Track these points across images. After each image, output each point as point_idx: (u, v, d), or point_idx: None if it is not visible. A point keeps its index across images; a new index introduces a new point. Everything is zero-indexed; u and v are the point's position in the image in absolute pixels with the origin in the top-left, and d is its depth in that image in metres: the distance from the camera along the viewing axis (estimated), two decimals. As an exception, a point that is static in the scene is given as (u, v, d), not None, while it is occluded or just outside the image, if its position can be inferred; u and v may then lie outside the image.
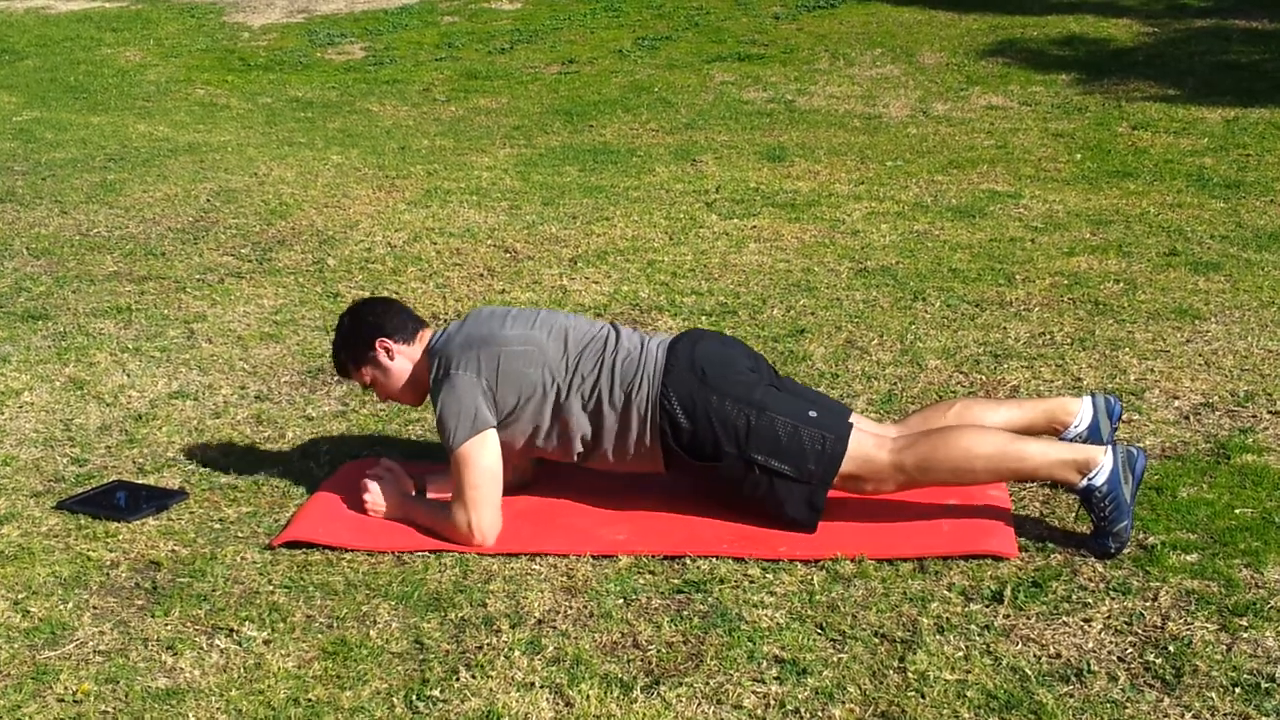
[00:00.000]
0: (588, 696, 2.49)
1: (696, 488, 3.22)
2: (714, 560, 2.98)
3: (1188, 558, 2.90)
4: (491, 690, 2.53)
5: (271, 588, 2.94)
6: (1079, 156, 6.73)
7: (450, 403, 3.12)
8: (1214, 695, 2.43)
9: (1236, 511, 3.10)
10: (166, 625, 2.81)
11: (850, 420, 3.12)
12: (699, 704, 2.47)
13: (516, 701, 2.49)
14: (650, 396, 3.12)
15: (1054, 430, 3.21)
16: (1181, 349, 4.12)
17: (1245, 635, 2.61)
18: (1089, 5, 10.27)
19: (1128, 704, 2.42)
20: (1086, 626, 2.66)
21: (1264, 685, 2.46)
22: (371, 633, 2.75)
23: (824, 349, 4.24)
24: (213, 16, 12.21)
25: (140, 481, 3.52)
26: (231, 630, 2.77)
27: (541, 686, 2.54)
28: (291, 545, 3.11)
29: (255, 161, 7.29)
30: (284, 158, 7.39)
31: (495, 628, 2.74)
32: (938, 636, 2.64)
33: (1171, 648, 2.58)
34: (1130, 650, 2.59)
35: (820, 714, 2.43)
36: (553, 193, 6.37)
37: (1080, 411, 3.23)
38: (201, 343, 4.55)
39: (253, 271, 5.32)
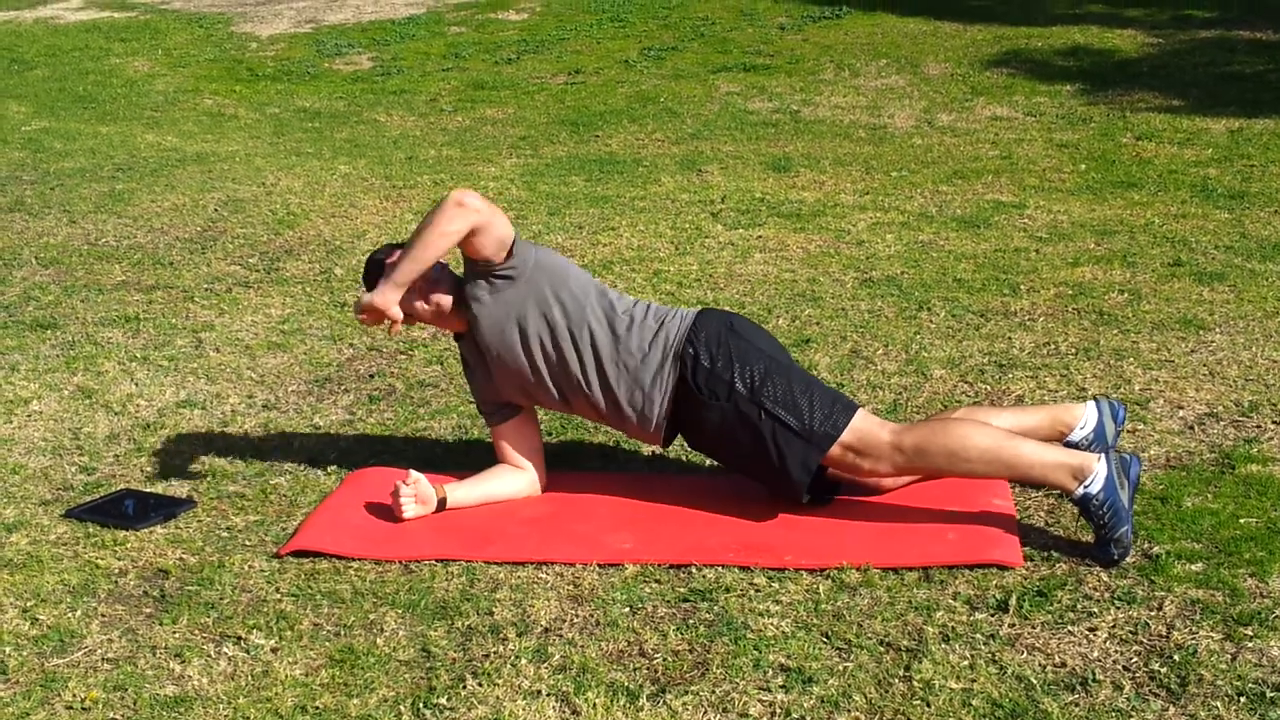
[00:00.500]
0: (594, 705, 2.50)
1: (698, 441, 3.28)
2: (720, 569, 2.99)
3: (1193, 567, 2.91)
4: (498, 698, 2.54)
5: (279, 596, 2.95)
6: (1083, 167, 6.74)
7: None
8: (1219, 704, 2.44)
9: (1241, 521, 3.10)
10: (174, 633, 2.82)
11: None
12: (705, 712, 2.48)
13: (523, 709, 2.50)
14: (680, 329, 3.23)
15: (1059, 434, 3.23)
16: (1186, 359, 4.13)
17: (1250, 645, 2.62)
18: (1093, 16, 10.29)
19: (1133, 713, 2.43)
20: (1092, 636, 2.67)
21: (1269, 695, 2.46)
22: (379, 641, 2.76)
23: (829, 358, 4.25)
24: (221, 27, 12.25)
25: (148, 490, 3.53)
26: (239, 638, 2.78)
27: (548, 695, 2.55)
28: (299, 554, 3.12)
29: (263, 171, 7.32)
30: (291, 168, 7.41)
31: (502, 636, 2.75)
32: (943, 645, 2.65)
33: (1177, 657, 2.59)
34: (1135, 659, 2.59)
35: (826, 722, 2.44)
36: (559, 203, 6.39)
37: (1085, 415, 3.25)
38: (209, 352, 4.57)
39: (260, 281, 5.34)
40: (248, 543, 3.23)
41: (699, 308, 3.35)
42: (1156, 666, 2.56)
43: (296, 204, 6.54)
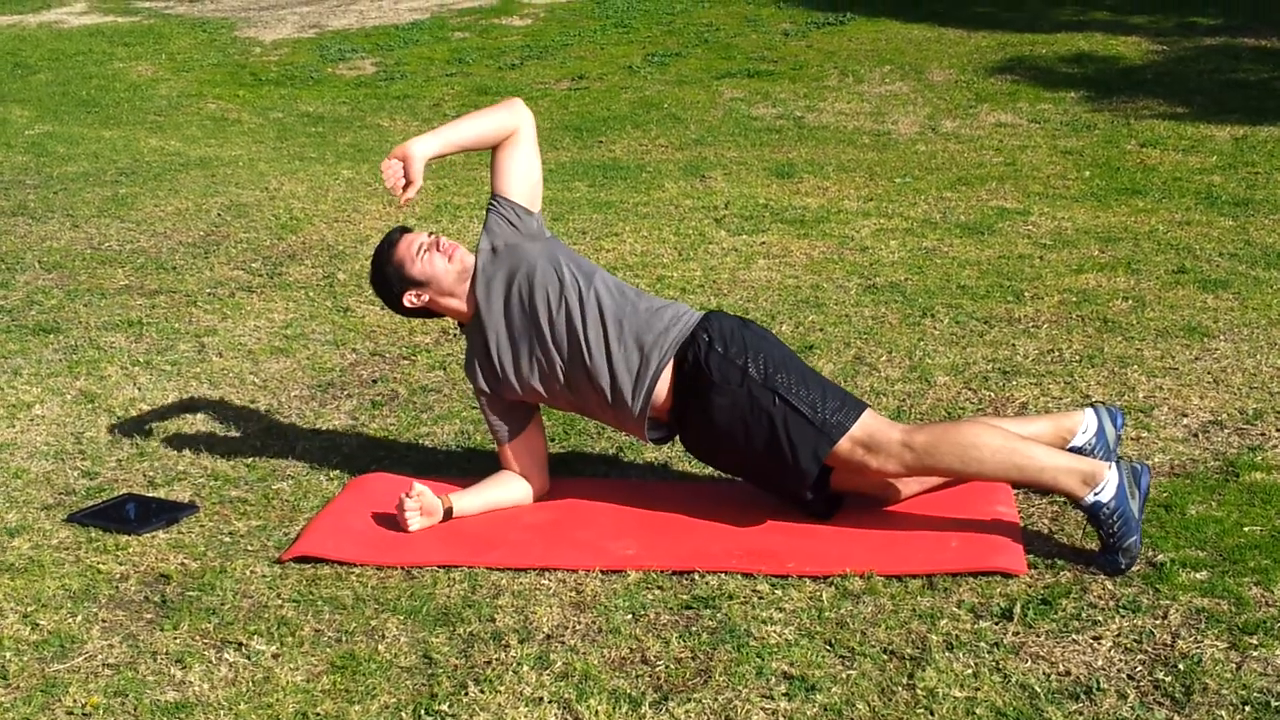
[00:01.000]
0: (596, 712, 2.49)
1: (701, 436, 3.25)
2: (723, 576, 2.98)
3: (1197, 575, 2.90)
4: (500, 705, 2.53)
5: (280, 602, 2.95)
6: (1088, 174, 6.73)
7: None
8: (1224, 713, 2.43)
9: (1246, 529, 3.09)
10: (175, 638, 2.81)
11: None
12: (707, 720, 2.47)
13: (525, 717, 2.49)
14: (690, 318, 3.26)
15: (1061, 441, 3.22)
16: (1190, 366, 4.12)
17: (1255, 653, 2.61)
18: (1098, 23, 10.29)
19: (1137, 722, 2.42)
20: (1096, 644, 2.66)
21: (1274, 704, 2.45)
22: (380, 647, 2.75)
23: (832, 365, 4.25)
24: (224, 31, 12.26)
25: (150, 495, 3.53)
26: (240, 644, 2.78)
27: (550, 702, 2.54)
28: (301, 560, 3.11)
29: (266, 176, 7.32)
30: (295, 172, 7.41)
31: (504, 643, 2.75)
32: (947, 653, 2.64)
33: (1181, 666, 2.58)
34: (1140, 668, 2.58)
35: (829, 731, 2.43)
36: (562, 208, 6.38)
37: (1084, 420, 3.25)
38: (212, 356, 4.56)
39: (263, 286, 5.34)
40: (249, 548, 3.22)
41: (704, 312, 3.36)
42: (1161, 675, 2.55)
43: (299, 209, 6.54)
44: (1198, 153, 7.04)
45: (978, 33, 10.23)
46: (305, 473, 3.64)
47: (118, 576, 3.09)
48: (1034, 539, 3.10)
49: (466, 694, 2.57)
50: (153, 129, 8.96)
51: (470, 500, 3.34)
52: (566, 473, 3.58)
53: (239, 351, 4.60)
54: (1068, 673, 2.57)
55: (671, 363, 3.20)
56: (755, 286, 5.10)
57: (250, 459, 3.74)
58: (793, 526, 3.19)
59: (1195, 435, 3.64)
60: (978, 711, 2.46)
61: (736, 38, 10.69)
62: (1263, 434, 3.63)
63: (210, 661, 2.72)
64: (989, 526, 3.12)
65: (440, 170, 7.40)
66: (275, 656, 2.73)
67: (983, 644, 2.67)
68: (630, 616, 2.83)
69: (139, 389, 4.28)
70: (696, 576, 2.98)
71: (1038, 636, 2.69)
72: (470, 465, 3.63)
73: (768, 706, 2.50)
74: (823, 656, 2.65)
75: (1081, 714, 2.45)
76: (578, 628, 2.80)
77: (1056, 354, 4.28)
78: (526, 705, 2.53)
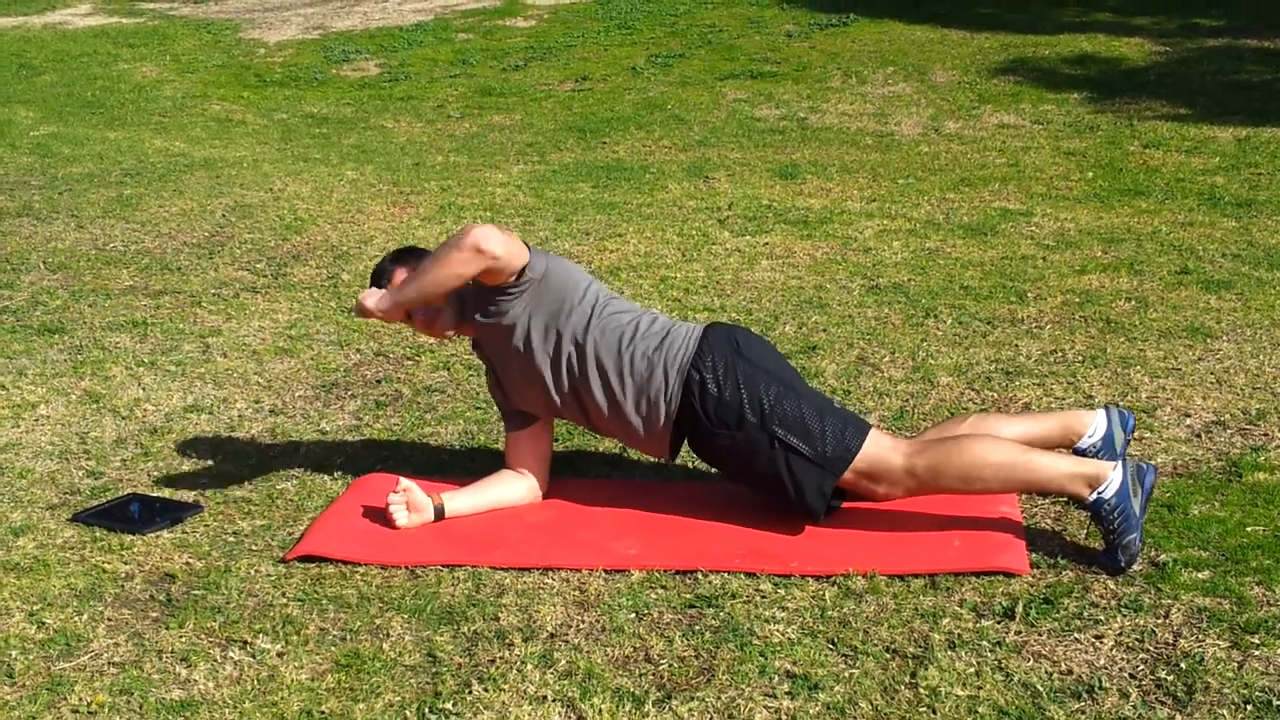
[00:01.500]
0: (600, 710, 2.50)
1: (713, 458, 3.27)
2: (725, 575, 2.98)
3: (1199, 575, 2.90)
4: (504, 704, 2.54)
5: (285, 600, 2.96)
6: (1090, 175, 6.74)
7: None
8: (1225, 713, 2.43)
9: (1248, 529, 3.10)
10: (180, 637, 2.82)
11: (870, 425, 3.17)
12: (710, 718, 2.48)
13: (529, 715, 2.50)
14: (686, 349, 3.21)
15: (1069, 442, 3.23)
16: (1193, 367, 4.13)
17: (1257, 653, 2.61)
18: (1101, 24, 10.29)
19: (1139, 721, 2.43)
20: (1098, 643, 2.67)
21: (1275, 703, 2.45)
22: (384, 646, 2.76)
23: (836, 365, 4.25)
24: (229, 33, 12.28)
25: (155, 494, 3.54)
26: (245, 642, 2.79)
27: (554, 700, 2.54)
28: (305, 559, 3.12)
29: (270, 177, 7.34)
30: (299, 173, 7.43)
31: (508, 641, 2.75)
32: (949, 652, 2.65)
33: (1183, 665, 2.58)
34: (1142, 667, 2.59)
35: (831, 729, 2.44)
36: (566, 209, 6.39)
37: (1094, 423, 3.24)
38: (216, 357, 4.57)
39: (268, 286, 5.35)
40: (254, 547, 3.23)
41: (705, 323, 3.33)
42: (1163, 674, 2.56)
43: (304, 209, 6.55)
44: (1200, 154, 7.04)
45: (980, 34, 10.24)
46: (309, 472, 3.65)
47: (123, 576, 3.10)
48: (1036, 538, 3.11)
49: (470, 692, 2.58)
50: (157, 130, 8.98)
51: (464, 500, 3.34)
52: (570, 473, 3.59)
53: (243, 352, 4.62)
54: (1070, 672, 2.58)
55: (680, 395, 3.21)
56: (758, 287, 5.10)
57: (254, 459, 3.75)
58: (795, 526, 3.19)
59: (1198, 435, 3.65)
60: (980, 710, 2.46)
61: (740, 39, 10.69)
62: (1265, 434, 3.64)
63: (215, 660, 2.73)
64: (991, 526, 3.12)
65: (445, 172, 7.41)
66: (280, 655, 2.74)
67: (985, 643, 2.68)
68: (634, 615, 2.84)
69: (144, 389, 4.29)
70: (699, 576, 2.99)
71: (1040, 635, 2.70)
72: (474, 465, 3.64)
73: (771, 705, 2.51)
74: (825, 655, 2.66)
75: (1083, 713, 2.45)
76: (581, 627, 2.81)
77: (1059, 354, 4.29)
78: (530, 704, 2.54)
